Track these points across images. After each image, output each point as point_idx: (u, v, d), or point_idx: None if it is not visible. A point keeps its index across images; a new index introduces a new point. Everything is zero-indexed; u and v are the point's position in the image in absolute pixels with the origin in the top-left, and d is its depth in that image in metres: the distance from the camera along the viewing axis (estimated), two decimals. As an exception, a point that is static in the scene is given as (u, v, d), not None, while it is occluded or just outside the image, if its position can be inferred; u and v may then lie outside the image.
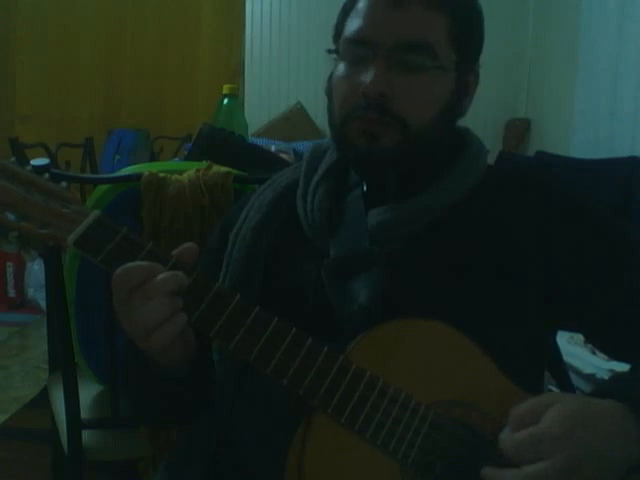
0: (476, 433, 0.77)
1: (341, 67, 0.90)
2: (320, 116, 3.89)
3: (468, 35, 0.91)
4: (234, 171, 1.32)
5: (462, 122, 0.98)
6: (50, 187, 0.79)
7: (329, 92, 0.93)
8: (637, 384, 0.81)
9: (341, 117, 0.90)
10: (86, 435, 1.30)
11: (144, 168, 1.31)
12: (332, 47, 0.93)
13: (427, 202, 0.89)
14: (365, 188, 0.93)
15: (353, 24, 0.89)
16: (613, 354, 0.95)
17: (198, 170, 1.31)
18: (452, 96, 0.90)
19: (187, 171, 1.31)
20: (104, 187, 1.30)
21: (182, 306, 0.75)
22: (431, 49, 0.87)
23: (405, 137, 0.87)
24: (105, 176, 1.40)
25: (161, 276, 0.74)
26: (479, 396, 0.79)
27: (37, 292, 3.74)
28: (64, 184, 0.82)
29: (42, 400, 2.26)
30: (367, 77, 0.86)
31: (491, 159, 3.31)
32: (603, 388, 0.82)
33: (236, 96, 2.25)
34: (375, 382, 0.77)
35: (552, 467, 0.70)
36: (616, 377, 0.86)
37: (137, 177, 1.27)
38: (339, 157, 0.95)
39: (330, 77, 0.93)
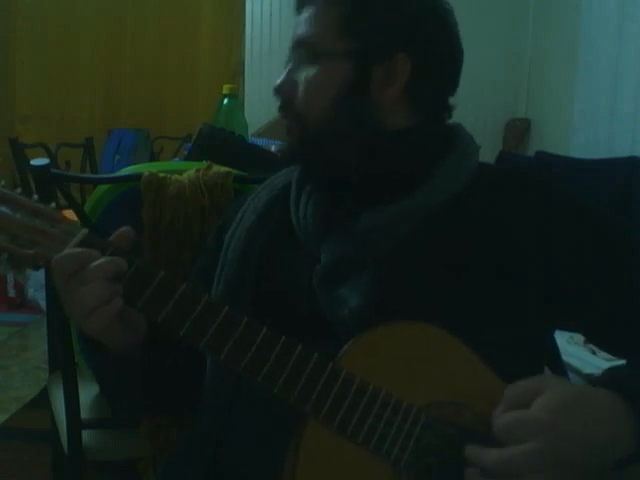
0: (469, 434, 0.77)
1: None
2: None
3: (366, 21, 0.89)
4: (234, 171, 1.32)
5: (462, 122, 0.98)
6: (38, 207, 0.81)
7: None
8: (632, 377, 0.81)
9: None
10: (86, 435, 1.30)
11: (144, 168, 1.31)
12: None
13: (417, 202, 0.88)
14: (356, 194, 0.92)
15: None
16: (614, 353, 0.95)
17: (198, 170, 1.31)
18: (350, 85, 0.89)
19: (187, 171, 1.31)
20: (104, 187, 1.30)
21: (121, 291, 0.78)
22: (309, 43, 0.91)
23: (302, 130, 0.92)
24: (105, 176, 1.40)
25: (97, 262, 0.77)
26: (471, 396, 0.79)
27: (37, 292, 3.74)
28: (53, 204, 0.83)
29: (42, 400, 2.26)
30: None
31: (491, 159, 3.31)
32: (598, 380, 0.82)
33: (236, 96, 2.24)
34: (365, 387, 0.76)
35: (535, 450, 0.70)
36: (611, 370, 0.86)
37: (137, 177, 1.27)
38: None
39: None
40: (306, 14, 0.92)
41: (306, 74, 0.91)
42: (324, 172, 0.93)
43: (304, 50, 0.92)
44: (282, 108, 0.94)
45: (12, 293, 3.86)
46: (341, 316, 0.83)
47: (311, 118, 0.91)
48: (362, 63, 0.89)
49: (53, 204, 0.83)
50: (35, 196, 0.82)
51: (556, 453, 0.71)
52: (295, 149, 0.94)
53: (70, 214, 1.21)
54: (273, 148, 2.50)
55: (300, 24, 0.93)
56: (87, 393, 1.35)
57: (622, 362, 0.91)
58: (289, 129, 0.94)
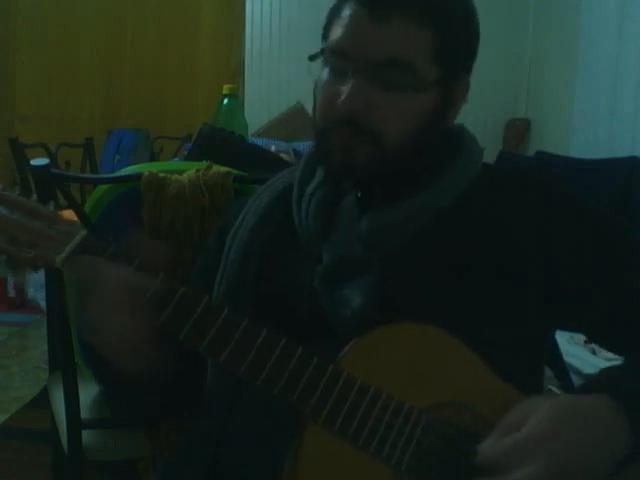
0: (470, 435, 0.77)
1: (325, 73, 0.90)
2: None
3: (455, 50, 0.88)
4: (234, 171, 1.32)
5: (462, 122, 0.97)
6: (37, 208, 0.80)
7: (315, 94, 0.92)
8: (625, 378, 0.81)
9: (320, 127, 0.90)
10: (86, 435, 1.30)
11: (144, 168, 1.31)
12: (319, 49, 0.91)
13: (422, 204, 0.88)
14: (359, 194, 0.92)
15: (335, 33, 0.88)
16: (614, 353, 0.95)
17: (198, 170, 1.31)
18: (434, 110, 0.88)
19: (187, 171, 1.31)
20: (104, 187, 1.30)
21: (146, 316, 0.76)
22: (411, 67, 0.85)
23: (379, 151, 0.87)
24: (105, 176, 1.40)
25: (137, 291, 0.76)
26: (472, 397, 0.78)
27: (37, 292, 3.74)
28: (52, 205, 0.82)
29: (42, 400, 2.26)
30: (344, 90, 0.85)
31: (491, 159, 3.31)
32: (591, 382, 0.82)
33: (236, 96, 2.25)
34: (366, 389, 0.76)
35: (537, 470, 0.70)
36: (604, 371, 0.86)
37: (137, 177, 1.27)
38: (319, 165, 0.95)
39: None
40: (395, 31, 0.84)
41: (395, 97, 0.86)
42: (378, 182, 0.90)
43: (393, 70, 0.85)
44: (349, 124, 0.86)
45: (12, 293, 3.86)
46: (343, 316, 0.83)
47: (392, 140, 0.87)
48: (449, 91, 0.90)
49: (52, 204, 0.83)
50: (34, 196, 0.82)
51: (561, 465, 0.70)
52: (363, 166, 0.87)
53: (70, 214, 1.21)
54: (273, 148, 2.50)
55: (386, 40, 0.84)
56: (87, 393, 1.35)
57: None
58: (354, 145, 0.87)
